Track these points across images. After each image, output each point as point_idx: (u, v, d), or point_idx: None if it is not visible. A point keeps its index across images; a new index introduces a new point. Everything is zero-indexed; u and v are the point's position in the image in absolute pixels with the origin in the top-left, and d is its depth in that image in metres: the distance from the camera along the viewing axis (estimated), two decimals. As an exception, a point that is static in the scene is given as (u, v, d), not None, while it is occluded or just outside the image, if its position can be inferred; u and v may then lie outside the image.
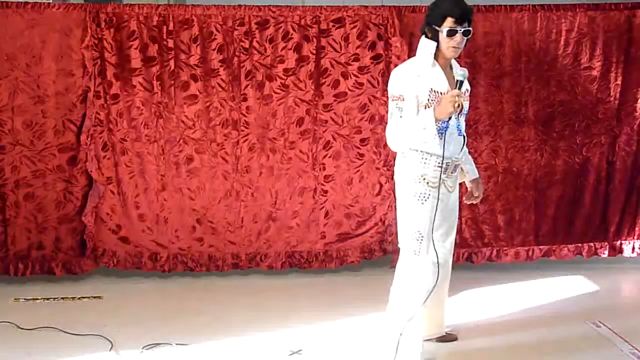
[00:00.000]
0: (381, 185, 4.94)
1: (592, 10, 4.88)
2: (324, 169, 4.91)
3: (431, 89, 3.22)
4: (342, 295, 4.61)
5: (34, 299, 4.47)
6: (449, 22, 3.17)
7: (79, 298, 4.52)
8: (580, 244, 5.08)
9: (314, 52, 4.80)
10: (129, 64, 4.68)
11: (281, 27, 4.76)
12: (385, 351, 3.34)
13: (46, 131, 4.67)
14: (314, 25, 4.78)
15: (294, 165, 4.89)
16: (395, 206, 4.79)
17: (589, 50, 4.90)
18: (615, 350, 3.69)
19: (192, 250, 4.88)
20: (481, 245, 5.04)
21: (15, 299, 4.48)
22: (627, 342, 3.77)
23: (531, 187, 5.00)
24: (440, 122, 3.17)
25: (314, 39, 4.79)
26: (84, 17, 4.58)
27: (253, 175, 4.87)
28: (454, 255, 3.68)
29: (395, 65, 4.03)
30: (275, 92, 4.81)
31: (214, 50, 4.73)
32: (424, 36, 3.28)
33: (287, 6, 4.78)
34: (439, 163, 3.25)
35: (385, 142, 4.82)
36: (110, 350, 3.67)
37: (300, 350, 3.66)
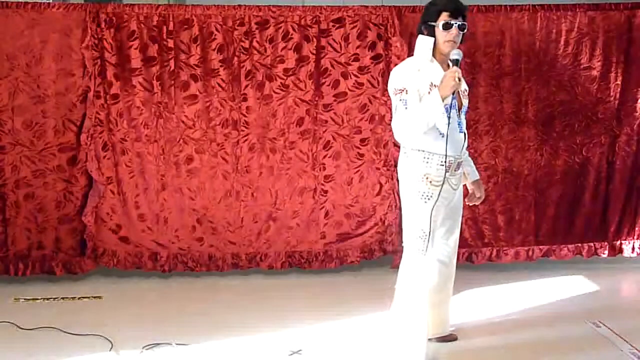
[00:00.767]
0: (381, 185, 4.93)
1: (592, 10, 4.89)
2: (324, 169, 4.91)
3: (431, 83, 3.28)
4: (342, 295, 4.61)
5: (34, 299, 4.47)
6: (444, 17, 3.28)
7: (79, 298, 4.52)
8: (580, 244, 5.08)
9: (314, 52, 4.80)
10: (129, 64, 4.68)
11: (281, 27, 4.76)
12: (389, 350, 3.35)
13: (46, 131, 4.67)
14: (314, 25, 4.79)
15: (294, 165, 4.89)
16: (395, 206, 4.85)
17: (589, 50, 4.90)
18: (615, 350, 3.69)
19: (192, 250, 4.88)
20: (481, 245, 5.04)
21: (15, 299, 4.48)
22: (627, 342, 3.76)
23: (531, 187, 5.00)
24: (446, 103, 3.20)
25: (314, 39, 4.79)
26: (84, 17, 4.59)
27: (253, 175, 4.87)
28: (454, 255, 3.70)
29: (396, 65, 4.04)
30: (275, 92, 4.81)
31: (214, 50, 4.74)
32: (420, 34, 3.38)
33: (287, 6, 4.78)
34: (441, 162, 3.29)
35: (385, 142, 4.90)
36: (110, 350, 3.67)
37: (300, 350, 3.65)
